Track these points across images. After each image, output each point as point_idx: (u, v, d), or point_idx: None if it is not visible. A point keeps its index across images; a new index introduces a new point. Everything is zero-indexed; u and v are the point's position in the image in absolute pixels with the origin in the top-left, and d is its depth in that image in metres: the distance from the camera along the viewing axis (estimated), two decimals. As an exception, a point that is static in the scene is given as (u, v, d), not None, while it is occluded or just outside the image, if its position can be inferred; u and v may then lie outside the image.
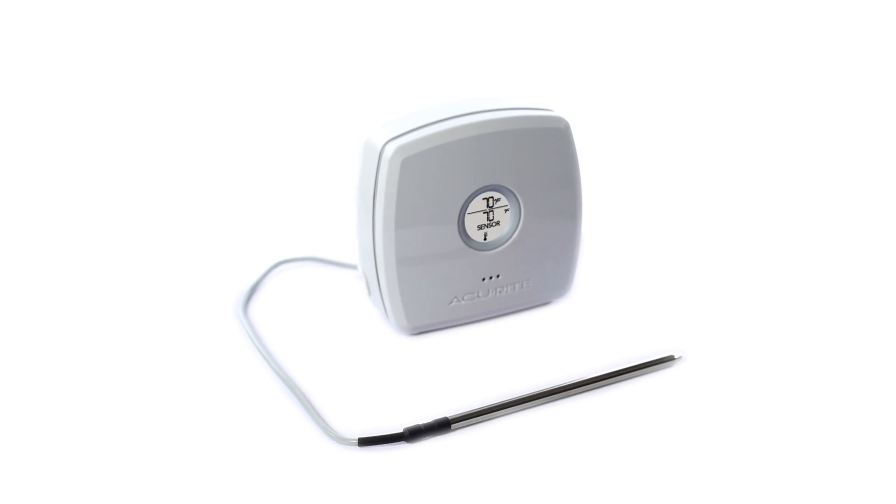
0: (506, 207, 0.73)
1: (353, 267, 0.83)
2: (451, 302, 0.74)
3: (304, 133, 1.11)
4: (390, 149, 0.68)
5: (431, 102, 0.74)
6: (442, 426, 0.64)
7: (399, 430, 0.63)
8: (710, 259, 0.86)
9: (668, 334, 0.74)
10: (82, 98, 1.14)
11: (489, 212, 0.72)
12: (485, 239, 0.73)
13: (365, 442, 0.62)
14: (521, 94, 0.76)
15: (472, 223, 0.72)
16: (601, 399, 0.67)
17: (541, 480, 0.60)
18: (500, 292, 0.75)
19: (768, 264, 0.85)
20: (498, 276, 0.74)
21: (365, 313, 0.77)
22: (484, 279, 0.74)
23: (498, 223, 0.73)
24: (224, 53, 1.20)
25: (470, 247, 0.73)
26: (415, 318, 0.74)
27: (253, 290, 0.81)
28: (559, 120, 0.72)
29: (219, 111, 1.16)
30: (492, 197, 0.72)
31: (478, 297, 0.74)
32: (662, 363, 0.69)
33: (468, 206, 0.71)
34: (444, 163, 0.69)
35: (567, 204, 0.74)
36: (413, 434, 0.63)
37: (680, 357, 0.70)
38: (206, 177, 1.04)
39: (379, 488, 0.60)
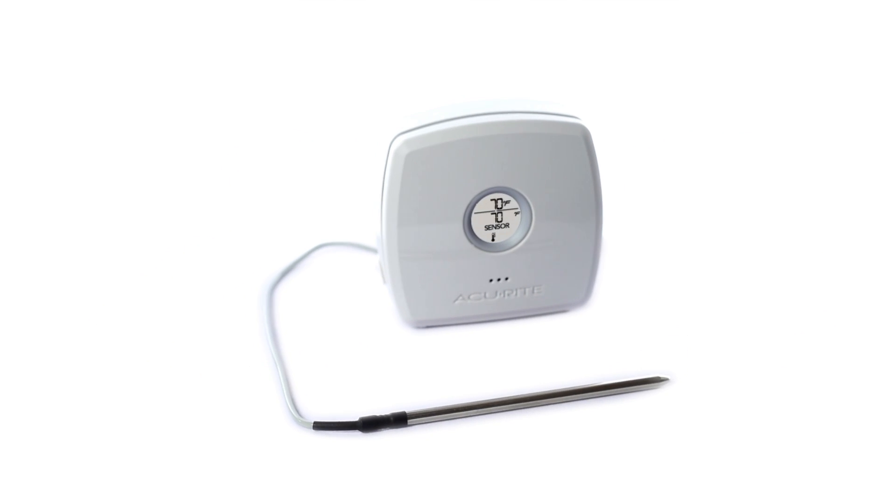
0: (516, 210, 0.72)
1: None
2: (457, 300, 0.74)
3: (363, 123, 1.12)
4: (398, 142, 0.69)
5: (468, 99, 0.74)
6: (398, 420, 0.64)
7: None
8: (742, 274, 0.82)
9: (682, 353, 0.72)
10: (130, 92, 1.17)
11: (497, 213, 0.72)
12: (493, 240, 0.73)
13: (320, 426, 0.64)
14: (553, 99, 0.75)
15: (479, 223, 0.72)
16: (576, 413, 0.66)
17: (489, 487, 0.60)
18: (508, 295, 0.74)
19: (805, 280, 0.81)
20: (507, 279, 0.74)
21: (383, 302, 0.78)
22: (491, 280, 0.74)
23: (507, 225, 0.73)
24: (279, 50, 1.23)
25: (477, 246, 0.72)
26: (419, 312, 0.74)
27: (288, 270, 0.83)
28: (577, 127, 0.70)
29: (277, 101, 1.18)
30: (500, 199, 0.72)
31: (485, 297, 0.74)
32: (649, 384, 0.67)
33: (475, 205, 0.71)
34: (450, 161, 0.69)
35: (583, 214, 0.73)
36: (367, 425, 0.64)
37: (668, 380, 0.68)
38: (265, 163, 1.06)
39: (319, 473, 0.61)
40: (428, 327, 0.75)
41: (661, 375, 0.68)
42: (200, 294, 0.80)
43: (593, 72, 1.22)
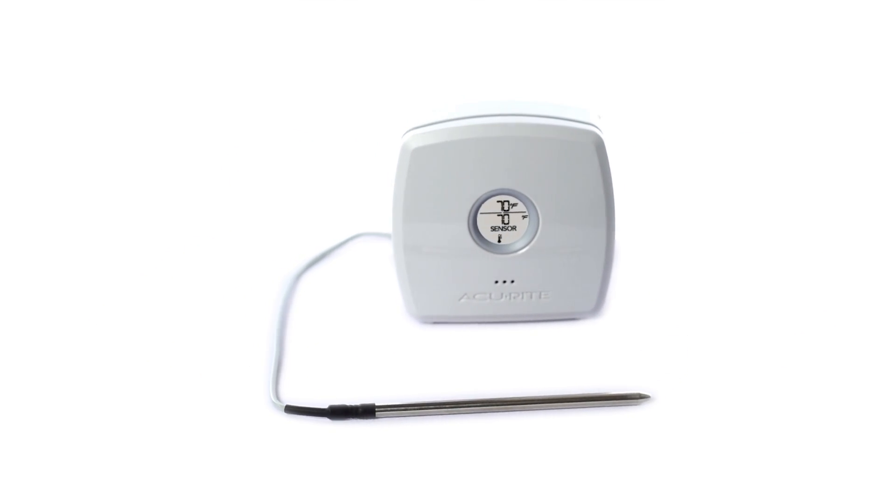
0: (523, 214, 0.72)
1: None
2: (462, 298, 0.74)
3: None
4: (408, 136, 0.70)
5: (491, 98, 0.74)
6: (367, 412, 0.65)
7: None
8: (766, 293, 0.79)
9: (686, 371, 0.70)
10: (156, 91, 1.20)
11: (504, 215, 0.72)
12: (499, 241, 0.73)
13: (291, 409, 0.66)
14: (576, 104, 0.74)
15: (485, 223, 0.72)
16: (547, 421, 0.65)
17: (445, 484, 0.60)
18: (514, 298, 0.74)
19: (836, 295, 0.79)
20: (512, 282, 0.74)
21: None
22: (497, 282, 0.74)
23: (514, 228, 0.72)
24: (314, 49, 1.24)
25: (482, 247, 0.73)
26: (424, 308, 0.75)
27: (321, 258, 0.85)
28: (589, 135, 0.70)
29: (325, 93, 1.19)
30: (507, 201, 0.72)
31: (490, 298, 0.74)
32: (628, 400, 0.66)
33: (481, 206, 0.72)
34: (456, 159, 0.70)
35: (593, 223, 0.72)
36: (335, 412, 0.65)
37: (649, 398, 0.66)
38: (311, 156, 1.08)
39: (283, 455, 0.63)
40: (435, 323, 0.76)
41: (643, 393, 0.66)
42: (231, 279, 0.83)
43: (625, 75, 1.20)
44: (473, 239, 0.72)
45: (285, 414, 0.66)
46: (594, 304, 0.75)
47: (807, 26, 1.21)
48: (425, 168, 0.70)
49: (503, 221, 0.72)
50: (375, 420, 0.65)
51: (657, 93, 1.18)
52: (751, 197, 0.96)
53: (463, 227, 0.72)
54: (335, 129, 1.11)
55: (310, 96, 1.18)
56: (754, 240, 0.88)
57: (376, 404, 0.65)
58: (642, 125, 1.10)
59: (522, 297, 0.74)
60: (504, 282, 0.74)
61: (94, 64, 1.19)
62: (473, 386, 0.68)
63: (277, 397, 0.67)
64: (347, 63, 1.21)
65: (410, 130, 0.70)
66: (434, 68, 1.20)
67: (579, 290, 0.74)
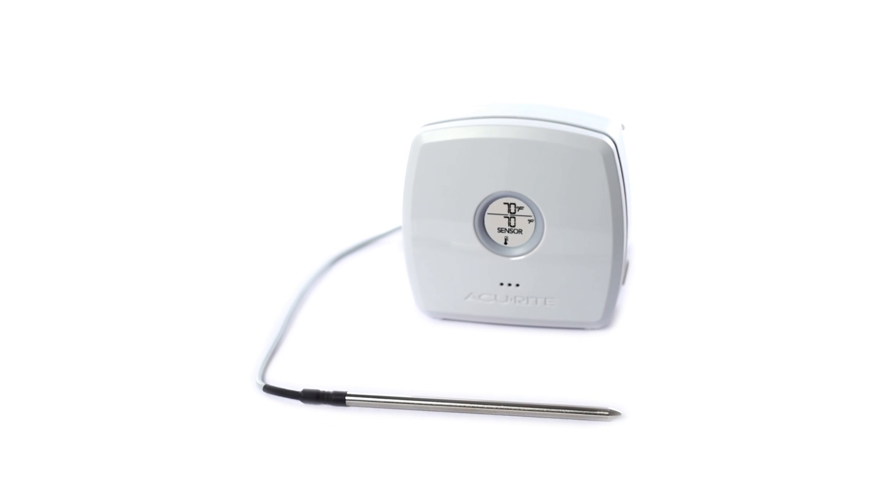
0: (529, 218, 0.71)
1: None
2: (468, 297, 0.75)
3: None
4: (419, 132, 0.71)
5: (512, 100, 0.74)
6: (337, 399, 0.67)
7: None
8: (787, 317, 0.76)
9: (687, 390, 0.68)
10: (177, 94, 1.22)
11: (510, 218, 0.72)
12: (505, 243, 0.73)
13: (268, 389, 0.68)
14: (599, 112, 0.73)
15: (492, 224, 0.72)
16: (516, 427, 0.65)
17: (400, 477, 0.61)
18: (519, 302, 0.74)
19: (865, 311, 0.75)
20: (518, 286, 0.73)
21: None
22: (502, 284, 0.74)
23: (520, 231, 0.72)
24: (331, 48, 1.24)
25: (487, 248, 0.73)
26: (431, 303, 0.76)
27: (360, 247, 0.87)
28: (597, 143, 0.69)
29: (338, 98, 1.21)
30: (514, 204, 0.71)
31: (495, 300, 0.74)
32: (596, 415, 0.65)
33: (488, 206, 0.72)
34: (464, 158, 0.70)
35: (599, 232, 0.71)
36: (307, 396, 0.67)
37: (619, 414, 0.65)
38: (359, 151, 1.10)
39: (255, 433, 0.65)
40: (444, 319, 0.76)
41: (613, 409, 0.65)
42: (273, 264, 0.86)
43: (667, 84, 1.19)
44: (479, 239, 0.72)
45: (264, 393, 0.67)
46: (600, 316, 0.73)
47: (830, 34, 1.20)
48: (434, 164, 0.70)
49: (510, 224, 0.72)
50: (346, 408, 0.66)
51: (689, 103, 1.17)
52: (776, 213, 0.94)
53: (469, 227, 0.72)
54: (387, 124, 1.12)
55: (363, 95, 1.21)
56: (777, 257, 0.85)
57: (347, 392, 0.66)
58: (669, 134, 1.09)
59: (528, 302, 0.74)
60: (509, 284, 0.73)
61: (128, 69, 1.24)
62: (461, 384, 0.69)
63: (262, 377, 0.69)
64: (389, 62, 1.24)
65: (426, 125, 0.71)
66: (480, 72, 1.22)
67: (585, 300, 0.73)
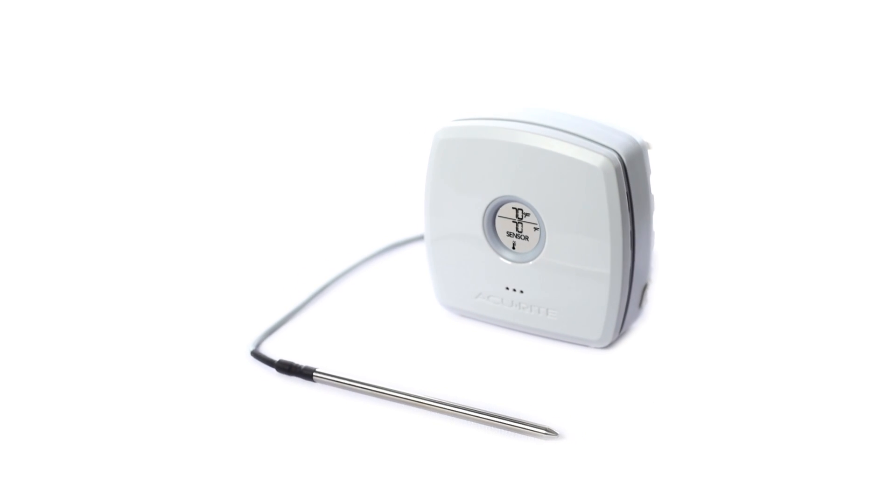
0: (535, 225, 0.71)
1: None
2: (478, 296, 0.75)
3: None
4: (441, 127, 0.72)
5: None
6: (307, 373, 0.70)
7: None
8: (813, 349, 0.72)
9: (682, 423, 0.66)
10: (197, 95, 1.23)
11: (518, 223, 0.72)
12: (513, 248, 0.73)
13: (254, 355, 0.72)
14: (623, 126, 0.72)
15: (503, 227, 0.73)
16: (467, 431, 0.66)
17: (346, 460, 0.64)
18: (522, 309, 0.74)
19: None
20: (521, 292, 0.73)
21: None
22: (507, 289, 0.74)
23: (526, 238, 0.72)
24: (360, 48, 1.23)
25: (495, 250, 0.73)
26: (445, 298, 0.77)
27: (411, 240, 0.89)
28: (599, 157, 0.67)
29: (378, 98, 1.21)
30: (521, 209, 0.71)
31: (501, 303, 0.74)
32: (535, 431, 0.64)
33: (499, 209, 0.72)
34: (474, 158, 0.71)
35: (598, 247, 0.69)
36: (281, 367, 0.70)
37: (557, 435, 0.64)
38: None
39: (231, 397, 0.70)
40: (461, 315, 0.77)
41: (551, 428, 0.64)
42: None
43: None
44: (488, 241, 0.73)
45: (250, 358, 0.72)
46: (600, 334, 0.72)
47: (861, 46, 1.16)
48: (448, 160, 0.72)
49: (517, 229, 0.72)
50: (314, 384, 0.69)
51: (719, 122, 1.13)
52: (800, 238, 0.89)
53: (478, 227, 0.72)
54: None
55: (401, 97, 1.22)
56: (806, 295, 0.80)
57: (316, 369, 0.69)
58: (704, 152, 1.07)
59: (531, 310, 0.73)
60: (514, 290, 0.73)
61: (143, 71, 1.26)
62: (440, 380, 0.70)
63: (255, 344, 0.73)
64: (436, 59, 1.25)
65: (452, 121, 0.72)
66: (532, 76, 1.22)
67: (584, 316, 0.72)
